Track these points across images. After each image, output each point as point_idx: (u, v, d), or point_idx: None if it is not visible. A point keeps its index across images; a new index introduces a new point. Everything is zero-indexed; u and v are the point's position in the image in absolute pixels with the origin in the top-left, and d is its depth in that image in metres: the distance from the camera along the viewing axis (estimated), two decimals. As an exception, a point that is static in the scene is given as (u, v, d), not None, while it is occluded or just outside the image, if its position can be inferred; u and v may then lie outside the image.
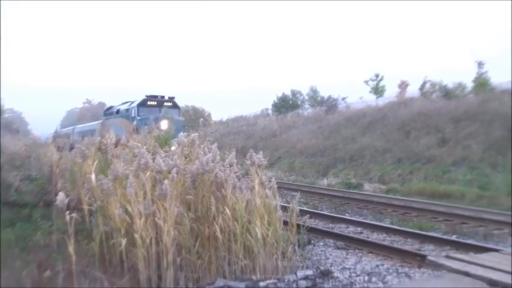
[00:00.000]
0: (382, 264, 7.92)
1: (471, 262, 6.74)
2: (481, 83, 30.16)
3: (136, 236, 5.91)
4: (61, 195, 6.04)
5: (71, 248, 5.62)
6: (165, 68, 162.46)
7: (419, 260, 7.85)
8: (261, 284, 5.97)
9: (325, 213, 13.41)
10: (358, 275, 7.29)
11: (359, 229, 11.16)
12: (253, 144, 31.91)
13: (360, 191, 18.86)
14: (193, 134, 7.84)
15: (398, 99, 34.45)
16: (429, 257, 7.47)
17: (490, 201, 14.43)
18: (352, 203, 15.27)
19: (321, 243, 9.55)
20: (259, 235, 6.43)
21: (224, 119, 50.45)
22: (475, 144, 20.84)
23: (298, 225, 7.32)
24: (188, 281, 6.23)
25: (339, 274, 7.29)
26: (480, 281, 5.96)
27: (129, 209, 6.04)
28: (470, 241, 9.55)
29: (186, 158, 7.42)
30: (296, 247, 7.34)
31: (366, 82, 40.46)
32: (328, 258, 8.43)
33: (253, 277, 6.31)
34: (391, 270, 7.52)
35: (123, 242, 5.95)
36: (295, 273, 6.53)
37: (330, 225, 11.74)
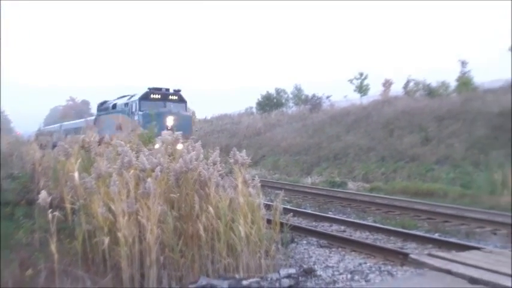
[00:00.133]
0: (365, 263, 7.97)
1: (453, 260, 6.77)
2: (464, 82, 30.47)
3: (120, 234, 5.89)
4: (43, 194, 6.01)
5: (53, 247, 5.59)
6: (148, 66, 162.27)
7: (402, 258, 7.88)
8: (244, 282, 5.96)
9: (309, 211, 13.45)
10: (341, 273, 7.33)
11: (342, 227, 11.20)
12: (238, 142, 31.93)
13: (343, 189, 18.92)
14: (177, 133, 7.82)
15: (382, 97, 34.63)
16: (411, 255, 7.49)
17: (473, 199, 14.58)
18: (335, 202, 15.32)
19: (304, 242, 9.58)
20: (242, 233, 6.42)
21: (208, 117, 50.24)
22: (458, 143, 21.04)
23: (282, 224, 7.30)
24: (171, 279, 6.21)
25: (321, 272, 7.33)
26: (461, 279, 5.99)
27: (113, 207, 6.01)
28: (452, 239, 9.64)
29: (169, 156, 7.40)
30: (279, 245, 7.33)
31: (350, 81, 40.74)
32: (311, 257, 8.46)
33: (237, 275, 6.30)
34: (373, 269, 7.57)
35: (106, 240, 5.91)
36: (278, 272, 6.52)
37: (314, 223, 11.75)
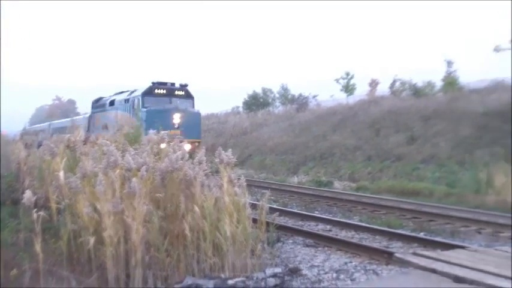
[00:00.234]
0: (351, 262, 8.00)
1: (438, 259, 6.81)
2: (450, 82, 30.65)
3: (105, 234, 5.88)
4: (28, 193, 5.99)
5: (38, 247, 5.57)
6: (133, 65, 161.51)
7: (387, 257, 7.91)
8: (230, 282, 5.97)
9: (295, 211, 13.47)
10: (326, 273, 7.35)
11: (328, 227, 11.22)
12: (224, 141, 31.96)
13: (330, 188, 18.95)
14: (162, 132, 7.82)
15: (368, 97, 34.78)
16: (396, 254, 7.53)
17: (458, 198, 14.69)
18: (322, 201, 15.35)
19: (290, 241, 9.59)
20: (228, 233, 6.43)
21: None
22: (444, 142, 21.20)
23: (268, 223, 7.32)
24: (157, 279, 6.20)
25: (307, 271, 7.34)
26: (446, 278, 6.03)
27: (98, 207, 6.00)
28: (437, 238, 9.70)
29: (155, 155, 7.39)
30: (265, 245, 7.34)
31: (337, 80, 40.70)
32: (297, 256, 8.48)
33: (222, 275, 6.31)
34: (359, 268, 7.60)
35: (91, 240, 5.89)
36: (264, 271, 6.53)
37: (300, 223, 11.76)
